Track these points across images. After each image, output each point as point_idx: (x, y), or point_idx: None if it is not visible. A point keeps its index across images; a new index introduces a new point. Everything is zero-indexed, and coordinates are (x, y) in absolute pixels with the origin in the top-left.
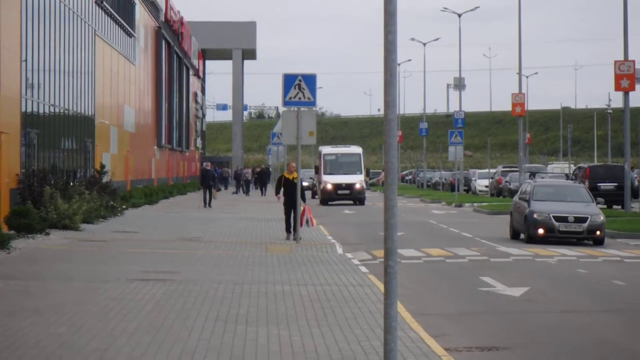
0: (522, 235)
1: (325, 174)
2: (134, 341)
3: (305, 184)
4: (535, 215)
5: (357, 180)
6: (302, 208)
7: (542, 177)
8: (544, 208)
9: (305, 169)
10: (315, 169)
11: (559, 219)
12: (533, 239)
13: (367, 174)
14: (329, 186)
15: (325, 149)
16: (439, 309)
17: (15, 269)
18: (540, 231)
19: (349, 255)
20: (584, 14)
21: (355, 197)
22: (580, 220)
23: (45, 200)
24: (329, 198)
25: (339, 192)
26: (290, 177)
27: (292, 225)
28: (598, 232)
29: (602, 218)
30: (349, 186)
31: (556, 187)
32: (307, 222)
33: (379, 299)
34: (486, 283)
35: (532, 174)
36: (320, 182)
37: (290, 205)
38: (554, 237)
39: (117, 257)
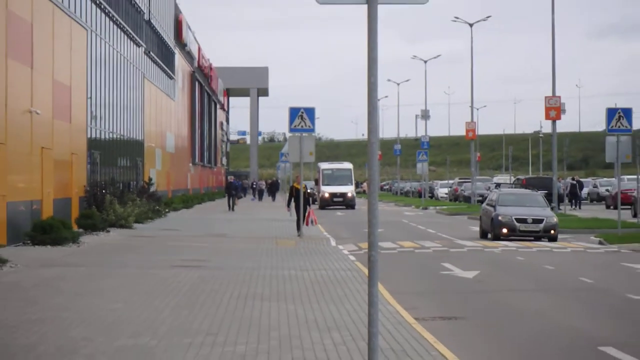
0: (489, 235)
1: (323, 185)
2: (175, 314)
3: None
4: (500, 218)
5: (349, 190)
6: (307, 211)
7: (510, 187)
8: (507, 212)
9: (306, 181)
10: (315, 181)
11: (520, 220)
12: (498, 237)
13: (357, 185)
14: (327, 195)
15: (323, 165)
16: (410, 288)
17: (83, 259)
18: (504, 230)
19: (340, 247)
20: (522, 59)
21: (347, 203)
22: (537, 221)
23: (106, 205)
24: (326, 204)
25: (335, 199)
26: (299, 187)
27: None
28: (552, 231)
29: (555, 219)
30: (342, 195)
31: (517, 195)
32: (311, 221)
33: (364, 281)
34: (446, 268)
35: (498, 185)
36: (319, 192)
37: (297, 209)
38: (515, 236)
39: (162, 249)
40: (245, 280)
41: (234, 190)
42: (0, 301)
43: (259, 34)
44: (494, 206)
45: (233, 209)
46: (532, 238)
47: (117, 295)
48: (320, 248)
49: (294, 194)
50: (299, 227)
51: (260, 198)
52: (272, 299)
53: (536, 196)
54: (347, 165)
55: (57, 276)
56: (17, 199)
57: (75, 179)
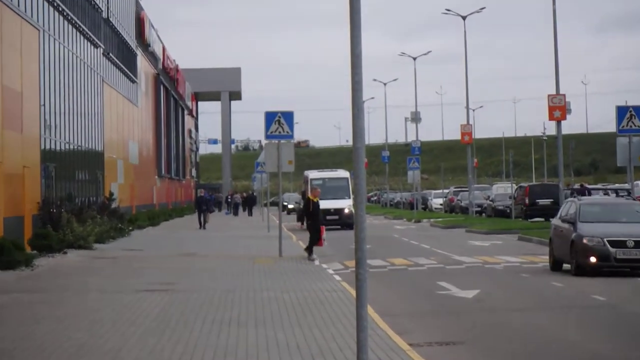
0: (567, 266)
1: None
2: (143, 342)
3: (290, 206)
4: (585, 241)
5: (346, 205)
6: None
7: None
8: (595, 231)
9: (287, 193)
10: (302, 194)
11: (616, 243)
12: (582, 269)
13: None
14: None
15: (312, 174)
16: (403, 310)
17: (38, 284)
18: (593, 259)
19: (324, 266)
20: (522, 55)
21: (344, 222)
22: None
23: (63, 224)
24: None
25: (328, 217)
26: (315, 200)
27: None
28: None
29: None
30: (338, 211)
31: (606, 206)
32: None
33: (351, 302)
34: (443, 287)
35: (575, 191)
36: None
37: (315, 226)
38: (610, 267)
39: (126, 271)
40: (220, 303)
41: (204, 205)
42: None
43: (231, 33)
44: (573, 223)
45: (204, 227)
46: (628, 269)
47: (79, 322)
48: (302, 267)
49: (310, 208)
50: (311, 249)
51: (236, 213)
52: (250, 324)
53: (634, 206)
54: (343, 173)
55: (11, 303)
56: None
57: (28, 195)
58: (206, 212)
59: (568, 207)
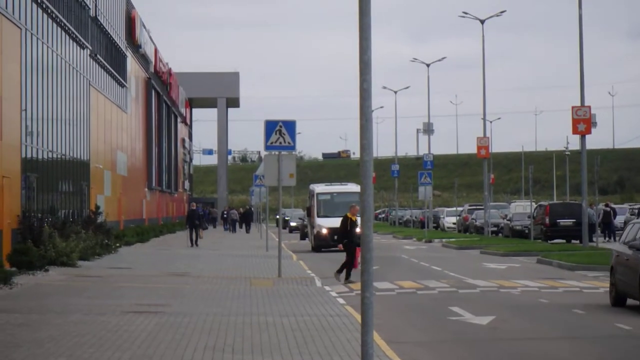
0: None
1: (319, 216)
2: None
3: (293, 224)
4: None
5: (359, 222)
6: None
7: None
8: None
9: (286, 209)
10: (307, 210)
11: None
12: None
13: None
14: (324, 231)
15: (319, 188)
16: (412, 337)
17: (16, 304)
18: None
19: (327, 288)
20: (543, 63)
21: (357, 243)
22: None
23: (45, 239)
24: (324, 244)
25: (337, 237)
26: (354, 219)
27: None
28: None
29: None
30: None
31: None
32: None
33: (356, 328)
34: (455, 312)
35: None
36: (313, 226)
37: (352, 246)
38: None
39: (112, 292)
40: (213, 328)
41: (197, 220)
42: None
43: (228, 34)
44: None
45: (196, 244)
46: None
47: (60, 347)
48: (302, 290)
49: (348, 227)
50: (349, 271)
51: (234, 229)
52: (246, 350)
53: None
54: (353, 187)
55: None
56: None
57: (7, 207)
58: (198, 227)
59: (635, 229)
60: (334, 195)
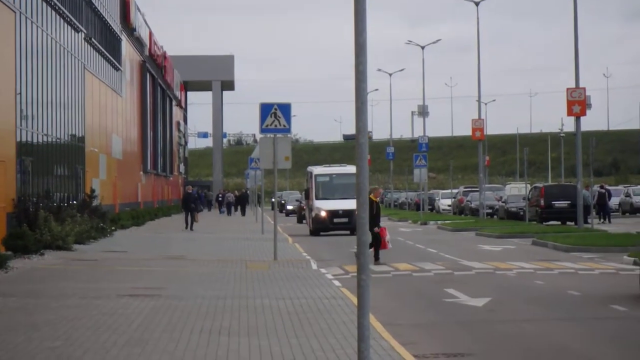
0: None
1: (317, 198)
2: (125, 353)
3: (290, 207)
4: None
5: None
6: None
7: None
8: None
9: (282, 191)
10: (305, 193)
11: None
12: None
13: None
14: (323, 213)
15: (317, 169)
16: (408, 319)
17: (12, 288)
18: None
19: (323, 271)
20: (538, 45)
21: (355, 226)
22: None
23: (40, 223)
24: (322, 227)
25: (335, 220)
26: (377, 201)
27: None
28: None
29: None
30: (348, 213)
31: None
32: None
33: (352, 311)
34: (451, 294)
35: None
36: (311, 209)
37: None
38: None
39: (108, 275)
40: (209, 311)
41: (192, 204)
42: None
43: (223, 17)
44: None
45: (191, 227)
46: None
47: (56, 330)
48: (298, 272)
49: (375, 211)
50: (377, 254)
51: (229, 212)
52: (242, 333)
53: None
54: (353, 169)
55: None
56: None
57: (3, 191)
58: (194, 211)
59: None
60: (332, 176)
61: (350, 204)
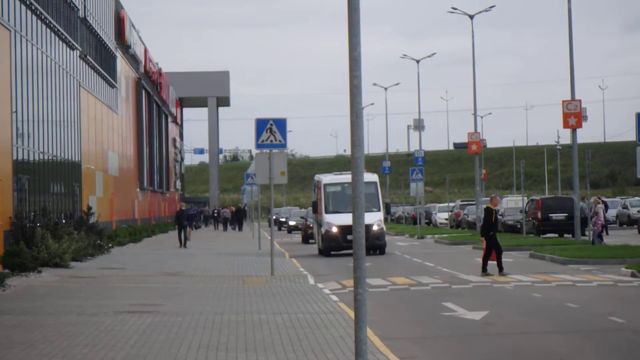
0: None
1: (327, 212)
2: None
3: (292, 223)
4: None
5: (375, 219)
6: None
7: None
8: None
9: (278, 208)
10: (313, 206)
11: None
12: None
13: (388, 211)
14: (334, 229)
15: (326, 178)
16: (405, 333)
17: (10, 305)
18: None
19: (320, 286)
20: (534, 58)
21: (372, 244)
22: None
23: (37, 240)
24: (334, 246)
25: (349, 237)
26: (495, 210)
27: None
28: None
29: None
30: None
31: None
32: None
33: (349, 325)
34: (448, 308)
35: None
36: (320, 224)
37: (495, 239)
38: None
39: (105, 292)
40: (207, 327)
41: (185, 221)
42: None
43: (218, 33)
44: None
45: (185, 246)
46: None
47: (54, 348)
48: (295, 287)
49: (493, 219)
50: (500, 265)
51: (225, 228)
52: (239, 349)
53: None
54: (370, 177)
55: None
56: None
57: None
58: (186, 228)
59: None
60: (345, 186)
61: (365, 218)
